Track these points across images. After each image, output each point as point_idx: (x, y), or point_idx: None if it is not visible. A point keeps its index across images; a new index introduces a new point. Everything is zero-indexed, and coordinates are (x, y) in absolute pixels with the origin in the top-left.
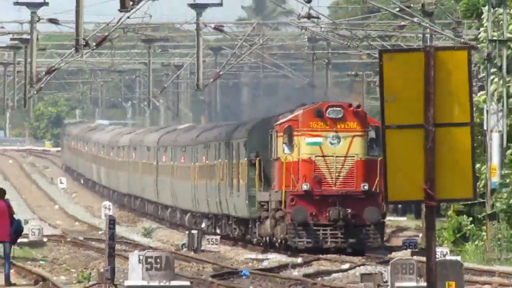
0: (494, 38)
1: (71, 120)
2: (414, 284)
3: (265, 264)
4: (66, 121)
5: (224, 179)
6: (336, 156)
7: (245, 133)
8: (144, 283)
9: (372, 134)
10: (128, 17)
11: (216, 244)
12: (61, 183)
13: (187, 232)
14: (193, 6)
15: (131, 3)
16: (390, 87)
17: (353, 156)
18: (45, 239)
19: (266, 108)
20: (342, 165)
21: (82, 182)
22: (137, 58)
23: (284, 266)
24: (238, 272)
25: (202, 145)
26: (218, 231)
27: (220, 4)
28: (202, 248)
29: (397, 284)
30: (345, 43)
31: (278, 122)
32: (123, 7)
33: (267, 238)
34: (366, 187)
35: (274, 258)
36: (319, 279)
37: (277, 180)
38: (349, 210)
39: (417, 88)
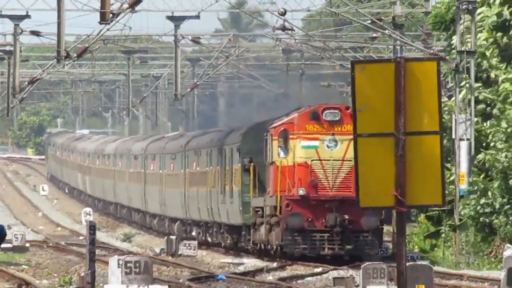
0: (463, 49)
1: (53, 129)
2: (384, 287)
3: (241, 268)
4: (48, 130)
5: (215, 186)
6: (333, 160)
7: (238, 138)
8: (124, 287)
9: None
10: (108, 29)
11: (194, 249)
12: (43, 190)
13: (165, 237)
14: (171, 18)
15: (111, 15)
16: (362, 96)
17: (351, 160)
18: (27, 244)
19: (241, 116)
20: (339, 169)
21: (67, 191)
22: (117, 69)
23: (259, 270)
24: (215, 276)
25: (192, 152)
26: (209, 239)
27: (198, 17)
28: (179, 252)
29: (368, 287)
30: (318, 54)
31: (273, 126)
32: (103, 19)
33: (262, 245)
34: None
35: (250, 263)
36: (294, 282)
37: (272, 185)
38: (347, 216)
39: (388, 98)
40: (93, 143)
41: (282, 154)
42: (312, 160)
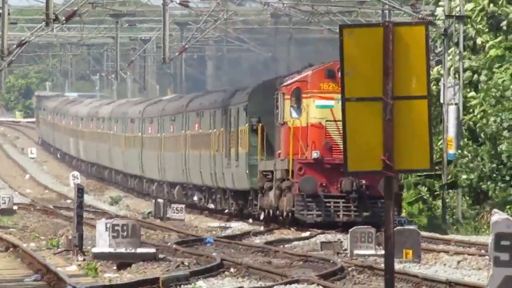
0: (451, 14)
1: (41, 92)
2: (372, 252)
3: (228, 232)
4: (36, 93)
5: (219, 149)
6: None
7: (245, 97)
8: (111, 250)
9: None
10: None
11: (181, 213)
12: (31, 153)
13: (153, 200)
14: None
15: None
16: (350, 61)
17: None
18: (15, 207)
19: (229, 79)
20: None
21: (58, 156)
22: (105, 32)
23: (246, 234)
24: (203, 240)
25: (194, 113)
26: (211, 205)
27: None
28: (167, 216)
29: (356, 251)
30: (307, 18)
31: (284, 84)
32: None
33: (270, 211)
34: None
35: (237, 226)
36: (280, 246)
37: (283, 148)
38: (363, 181)
39: (376, 62)
40: (86, 106)
41: (294, 114)
42: (327, 121)
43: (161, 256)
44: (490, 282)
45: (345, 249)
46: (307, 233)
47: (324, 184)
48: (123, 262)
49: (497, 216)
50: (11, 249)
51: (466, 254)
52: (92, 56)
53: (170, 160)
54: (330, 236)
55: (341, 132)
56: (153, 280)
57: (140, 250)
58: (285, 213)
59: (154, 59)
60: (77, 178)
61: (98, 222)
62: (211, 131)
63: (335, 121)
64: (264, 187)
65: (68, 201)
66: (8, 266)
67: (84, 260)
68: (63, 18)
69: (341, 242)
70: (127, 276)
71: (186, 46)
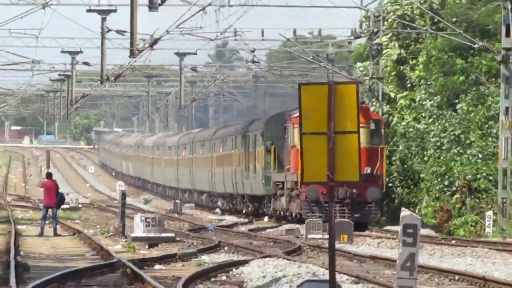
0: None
1: (97, 127)
2: (320, 236)
3: (223, 222)
4: (94, 128)
5: (240, 165)
6: None
7: (262, 125)
8: (144, 234)
9: (373, 126)
10: (135, 61)
11: (191, 210)
12: (90, 170)
13: (173, 201)
14: (177, 54)
15: (137, 52)
16: (306, 107)
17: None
18: (80, 206)
19: (224, 120)
20: None
21: (113, 173)
22: (141, 88)
23: (235, 224)
24: (206, 228)
25: (219, 140)
26: (230, 207)
27: (195, 53)
28: (182, 211)
29: (309, 236)
30: (277, 79)
31: (294, 115)
32: (132, 54)
33: (281, 212)
34: (368, 171)
35: (229, 219)
36: (259, 232)
37: (292, 164)
38: (354, 190)
39: (323, 109)
40: (133, 138)
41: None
42: None
43: (178, 239)
44: (400, 257)
45: (302, 234)
46: (276, 223)
47: (324, 193)
48: (152, 243)
49: (405, 212)
50: (77, 234)
51: (384, 238)
52: (132, 104)
53: (200, 175)
54: (292, 225)
55: None
56: (173, 255)
57: (164, 234)
58: (294, 214)
59: (173, 106)
60: (122, 186)
61: (135, 216)
62: (232, 151)
63: None
64: (276, 193)
65: (115, 201)
66: (74, 245)
67: (126, 241)
68: (112, 78)
69: (299, 229)
70: (155, 252)
71: (195, 97)
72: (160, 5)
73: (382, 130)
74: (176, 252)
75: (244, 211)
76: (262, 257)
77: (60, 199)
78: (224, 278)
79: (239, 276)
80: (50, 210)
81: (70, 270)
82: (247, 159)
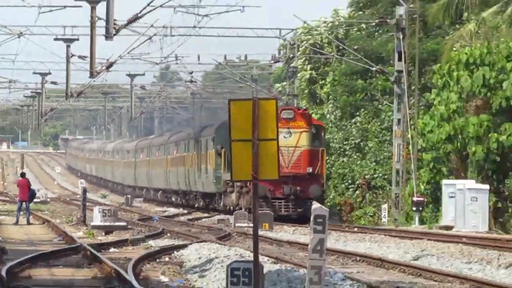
0: (290, 93)
1: (63, 135)
2: (246, 224)
3: (166, 213)
4: (61, 136)
5: (193, 165)
6: (288, 147)
7: (213, 132)
8: (102, 223)
9: (314, 130)
10: (94, 81)
11: (140, 203)
12: (57, 170)
13: (124, 196)
14: (129, 75)
15: (95, 73)
16: (234, 119)
17: (301, 147)
18: (48, 200)
19: (167, 129)
20: (292, 153)
21: (79, 174)
22: (99, 103)
23: (176, 215)
24: (152, 218)
25: (173, 144)
26: (184, 202)
27: (143, 74)
28: (133, 204)
29: (237, 224)
30: (211, 96)
31: None
32: (91, 75)
33: (231, 207)
34: (310, 170)
35: (172, 211)
36: (196, 221)
37: None
38: (298, 188)
39: (249, 120)
40: (95, 145)
41: None
42: None
43: (129, 227)
44: (311, 242)
45: (231, 223)
46: (209, 214)
47: (271, 190)
48: (108, 230)
49: (316, 205)
50: (46, 223)
51: (298, 226)
52: (91, 116)
53: (156, 174)
54: (223, 215)
55: (283, 154)
56: (125, 240)
57: (117, 223)
58: (243, 209)
59: (125, 118)
60: (83, 183)
61: (94, 208)
62: (185, 154)
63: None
64: (227, 190)
65: (78, 196)
66: (44, 232)
67: (86, 229)
68: (75, 94)
69: (229, 219)
70: (110, 238)
71: (143, 111)
72: (115, 34)
73: (322, 134)
74: (128, 237)
75: (196, 206)
76: (198, 242)
77: (31, 194)
78: (167, 259)
79: (179, 258)
80: (24, 203)
81: (41, 253)
82: (199, 161)
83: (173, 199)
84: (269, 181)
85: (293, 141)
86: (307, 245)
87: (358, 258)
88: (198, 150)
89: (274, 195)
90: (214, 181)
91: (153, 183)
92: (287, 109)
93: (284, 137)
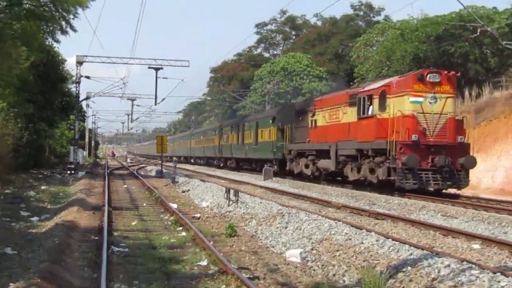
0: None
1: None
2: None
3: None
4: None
5: (251, 140)
6: (434, 113)
7: (274, 113)
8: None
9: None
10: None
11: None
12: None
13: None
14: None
15: None
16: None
17: (446, 114)
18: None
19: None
20: (438, 121)
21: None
22: None
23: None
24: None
25: (229, 127)
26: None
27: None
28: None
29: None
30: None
31: (364, 90)
32: None
33: (296, 172)
34: (462, 139)
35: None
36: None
37: (366, 133)
38: (449, 159)
39: None
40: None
41: (380, 110)
42: (417, 113)
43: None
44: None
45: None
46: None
47: (419, 160)
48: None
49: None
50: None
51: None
52: None
53: (209, 148)
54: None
55: (427, 121)
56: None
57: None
58: (376, 181)
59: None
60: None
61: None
62: (246, 132)
63: (423, 113)
64: (293, 158)
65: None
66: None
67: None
68: None
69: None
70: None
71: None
72: None
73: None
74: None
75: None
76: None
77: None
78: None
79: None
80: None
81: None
82: (256, 136)
83: (240, 164)
84: (416, 150)
85: (438, 108)
86: None
87: None
88: (256, 128)
89: (420, 166)
90: (274, 150)
91: (223, 153)
92: (434, 72)
93: (430, 102)
